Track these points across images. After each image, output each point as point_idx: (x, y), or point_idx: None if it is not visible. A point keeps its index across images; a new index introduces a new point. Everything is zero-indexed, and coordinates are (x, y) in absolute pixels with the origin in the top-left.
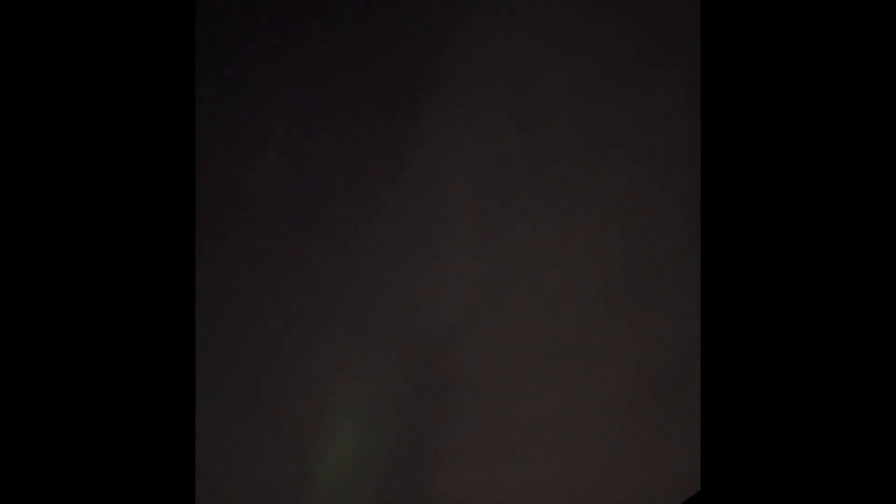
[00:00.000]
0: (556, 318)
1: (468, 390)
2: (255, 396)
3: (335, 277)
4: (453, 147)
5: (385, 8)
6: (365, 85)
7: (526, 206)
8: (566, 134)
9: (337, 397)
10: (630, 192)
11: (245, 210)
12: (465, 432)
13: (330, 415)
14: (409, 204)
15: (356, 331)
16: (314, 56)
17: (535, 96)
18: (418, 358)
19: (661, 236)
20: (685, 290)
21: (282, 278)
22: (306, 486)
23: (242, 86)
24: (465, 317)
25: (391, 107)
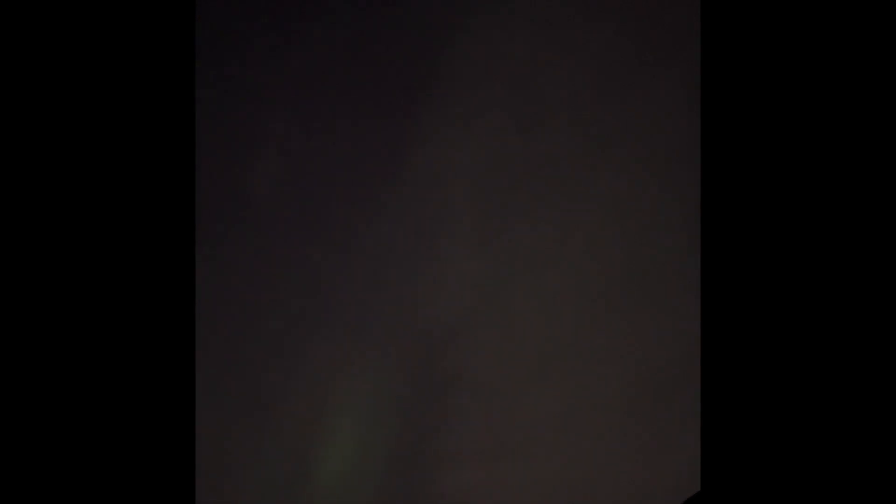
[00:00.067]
0: (556, 318)
1: (468, 390)
2: (255, 396)
3: (335, 277)
4: (453, 147)
5: (385, 8)
6: (365, 85)
7: (526, 206)
8: (566, 134)
9: (337, 397)
10: (630, 192)
11: (245, 210)
12: (465, 432)
13: (330, 415)
14: (409, 204)
15: (356, 331)
16: (314, 56)
17: (535, 96)
18: (418, 358)
19: (661, 236)
20: (685, 290)
21: (282, 278)
22: (306, 486)
23: (242, 86)
24: (465, 317)
25: (391, 107)
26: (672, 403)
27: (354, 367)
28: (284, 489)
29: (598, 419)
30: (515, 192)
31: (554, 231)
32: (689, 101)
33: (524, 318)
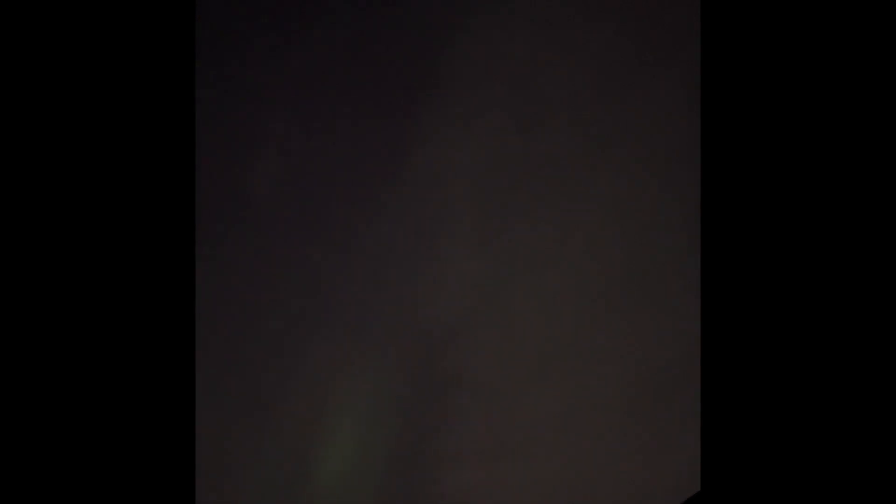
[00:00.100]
0: (556, 318)
1: (468, 390)
2: (255, 396)
3: (335, 277)
4: (453, 147)
5: (385, 8)
6: (365, 85)
7: (526, 206)
8: (566, 134)
9: (337, 397)
10: (630, 192)
11: (245, 210)
12: (466, 432)
13: (330, 415)
14: (409, 204)
15: (356, 331)
16: (314, 56)
17: (535, 96)
18: (418, 358)
19: (661, 236)
20: (685, 290)
21: (282, 278)
22: (306, 486)
23: (242, 86)
24: (465, 317)
25: (391, 107)
26: (672, 403)
27: (354, 367)
28: (284, 489)
29: (598, 419)
30: (515, 192)
31: (554, 231)
32: (689, 101)
33: (524, 318)
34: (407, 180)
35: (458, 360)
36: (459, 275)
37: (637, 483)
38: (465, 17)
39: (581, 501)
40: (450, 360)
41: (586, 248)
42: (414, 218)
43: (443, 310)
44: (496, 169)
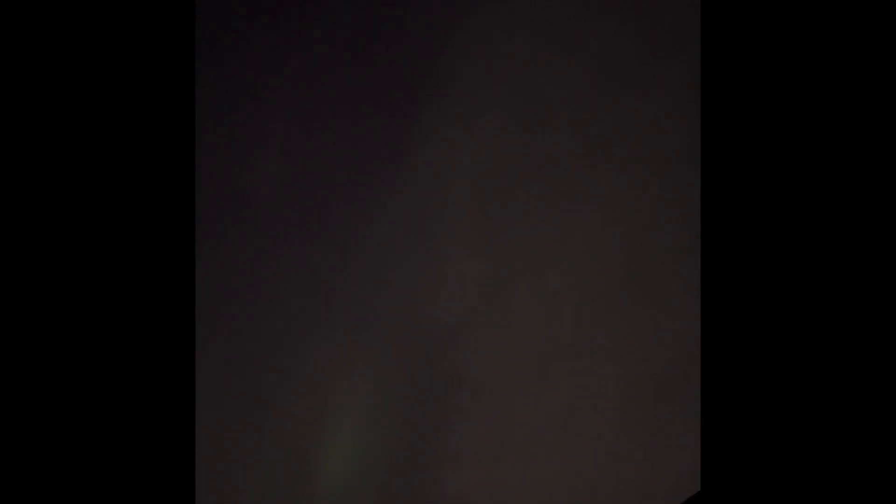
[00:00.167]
0: (556, 318)
1: (468, 390)
2: (255, 396)
3: (335, 277)
4: (453, 147)
5: (385, 8)
6: (365, 85)
7: (526, 206)
8: (566, 134)
9: (337, 397)
10: (630, 192)
11: (245, 210)
12: (465, 432)
13: (330, 415)
14: (409, 204)
15: (356, 331)
16: (314, 56)
17: (535, 96)
18: (418, 358)
19: (661, 236)
20: (685, 290)
21: (282, 278)
22: (306, 486)
23: (242, 86)
24: (465, 317)
25: (391, 107)
26: (672, 403)
27: (354, 367)
28: (284, 489)
29: (598, 419)
30: (515, 192)
31: (554, 231)
32: (689, 101)
33: (524, 318)
34: (407, 180)
35: (458, 360)
36: (459, 275)
37: (637, 483)
38: (465, 17)
39: (581, 501)
40: (450, 360)
41: (586, 248)
42: (414, 218)
43: (443, 310)
44: (496, 169)
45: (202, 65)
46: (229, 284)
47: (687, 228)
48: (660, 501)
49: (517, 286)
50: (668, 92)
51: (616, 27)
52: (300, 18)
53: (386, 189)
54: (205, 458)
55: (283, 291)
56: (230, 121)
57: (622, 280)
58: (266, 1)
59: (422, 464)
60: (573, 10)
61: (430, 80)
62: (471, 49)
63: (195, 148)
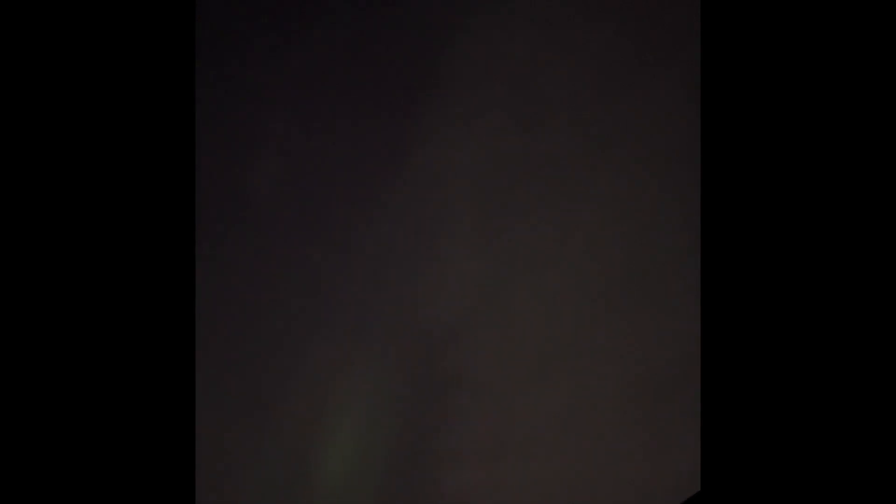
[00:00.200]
0: (556, 318)
1: (468, 390)
2: (255, 396)
3: (335, 277)
4: (453, 147)
5: (385, 8)
6: (365, 85)
7: (526, 206)
8: (566, 134)
9: (337, 397)
10: (630, 192)
11: (245, 210)
12: (466, 432)
13: (330, 415)
14: (409, 204)
15: (356, 331)
16: (314, 56)
17: (535, 96)
18: (418, 358)
19: (661, 236)
20: (685, 290)
21: (282, 278)
22: (306, 486)
23: (242, 86)
24: (465, 317)
25: (391, 107)
26: (672, 403)
27: (354, 367)
28: (284, 489)
29: (598, 419)
30: (515, 192)
31: (554, 231)
32: (689, 101)
33: (524, 318)
34: (407, 180)
35: (458, 360)
36: (459, 275)
37: (637, 483)
38: (465, 17)
39: (581, 501)
40: (450, 360)
41: (586, 248)
42: (414, 218)
43: (443, 310)
44: (496, 169)
45: (202, 65)
46: (229, 284)
47: (687, 228)
48: (660, 501)
49: (517, 286)
50: (668, 92)
51: (616, 27)
52: (300, 18)
53: (386, 189)
54: (205, 458)
55: (283, 291)
56: (230, 121)
57: (622, 280)
58: (266, 1)
59: (422, 464)
60: (573, 10)
61: (430, 80)
62: (471, 49)
63: (195, 148)
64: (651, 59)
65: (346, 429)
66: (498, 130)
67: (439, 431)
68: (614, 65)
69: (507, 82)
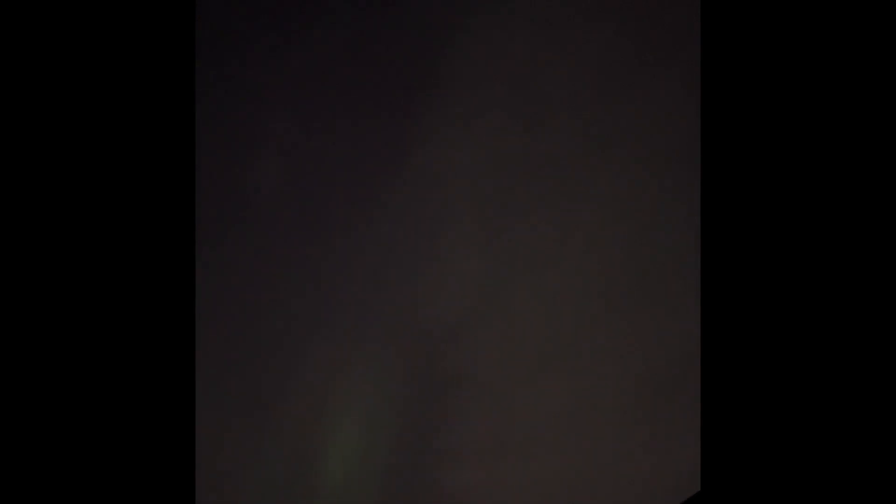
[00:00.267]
0: (556, 318)
1: (468, 390)
2: (255, 396)
3: (335, 277)
4: (453, 147)
5: (385, 8)
6: (365, 85)
7: (526, 206)
8: (566, 134)
9: (337, 397)
10: (630, 192)
11: (245, 210)
12: (466, 432)
13: (330, 415)
14: (409, 204)
15: (356, 331)
16: (314, 56)
17: (535, 96)
18: (418, 358)
19: (661, 236)
20: (685, 290)
21: (282, 278)
22: (306, 486)
23: (242, 86)
24: (466, 317)
25: (391, 107)
26: (672, 403)
27: (354, 367)
28: (284, 489)
29: (598, 419)
30: (515, 192)
31: (554, 231)
32: (689, 101)
33: (524, 317)
34: (407, 180)
35: (458, 360)
36: (459, 275)
37: (637, 483)
38: (465, 17)
39: (581, 501)
40: (450, 360)
41: (586, 248)
42: (414, 218)
43: (443, 310)
44: (496, 169)
45: (202, 65)
46: (229, 284)
47: (687, 228)
48: (660, 501)
49: (517, 286)
50: (668, 92)
51: (616, 27)
52: (300, 18)
53: (386, 189)
54: (205, 458)
55: (283, 291)
56: (230, 121)
57: (622, 280)
58: (266, 1)
59: (422, 463)
60: (573, 10)
61: (430, 80)
62: (471, 49)
63: (195, 148)
64: (651, 59)
65: (346, 429)
66: (498, 130)
67: (439, 431)
68: (614, 65)
69: (507, 82)
